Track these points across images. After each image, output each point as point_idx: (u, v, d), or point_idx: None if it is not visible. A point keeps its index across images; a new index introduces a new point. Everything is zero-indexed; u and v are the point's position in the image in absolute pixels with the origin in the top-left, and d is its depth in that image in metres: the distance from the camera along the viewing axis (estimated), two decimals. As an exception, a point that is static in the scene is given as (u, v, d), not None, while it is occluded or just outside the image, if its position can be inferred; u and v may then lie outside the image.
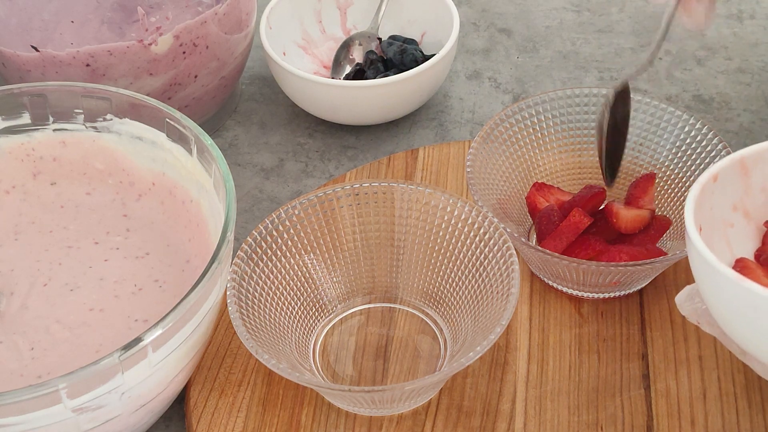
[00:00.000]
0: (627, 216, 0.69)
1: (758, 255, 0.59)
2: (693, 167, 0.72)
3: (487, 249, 0.66)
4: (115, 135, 0.72)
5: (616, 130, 0.70)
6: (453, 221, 0.68)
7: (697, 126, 0.72)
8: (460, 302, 0.67)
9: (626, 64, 0.92)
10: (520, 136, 0.74)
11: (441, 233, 0.68)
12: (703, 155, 0.71)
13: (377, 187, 0.69)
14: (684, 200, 0.71)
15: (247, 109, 0.89)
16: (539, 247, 0.65)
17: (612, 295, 0.69)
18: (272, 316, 0.65)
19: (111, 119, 0.71)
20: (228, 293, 0.62)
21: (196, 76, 0.79)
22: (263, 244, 0.66)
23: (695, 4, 0.62)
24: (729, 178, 0.59)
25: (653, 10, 0.97)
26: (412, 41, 0.88)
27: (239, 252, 0.65)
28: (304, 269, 0.68)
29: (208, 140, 0.66)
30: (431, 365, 0.66)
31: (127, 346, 0.54)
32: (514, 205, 0.73)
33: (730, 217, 0.60)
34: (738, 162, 0.59)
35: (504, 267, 0.64)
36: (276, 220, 0.67)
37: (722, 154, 0.70)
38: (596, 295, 0.69)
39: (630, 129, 0.74)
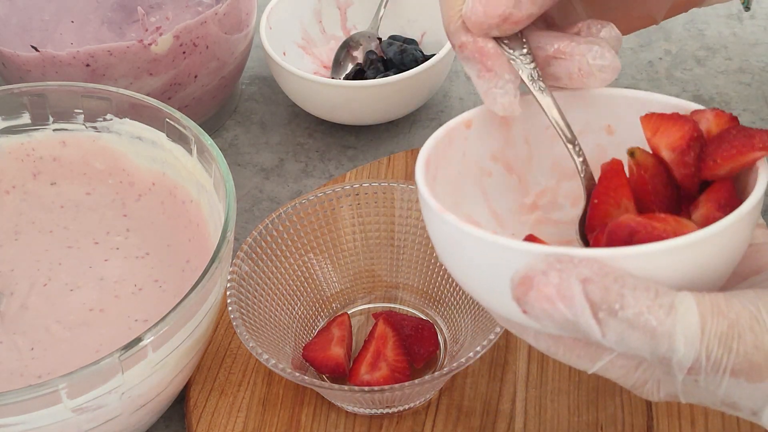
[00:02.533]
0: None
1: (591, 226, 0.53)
2: (693, 167, 0.72)
3: (487, 249, 0.65)
4: (115, 135, 0.72)
5: None
6: (453, 221, 0.67)
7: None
8: (460, 302, 0.67)
9: (626, 64, 0.92)
10: (519, 136, 0.74)
11: (441, 233, 0.68)
12: (703, 155, 0.71)
13: (377, 187, 0.69)
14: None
15: (247, 109, 0.89)
16: (539, 247, 0.65)
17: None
18: (272, 316, 0.65)
19: (111, 119, 0.71)
20: (228, 293, 0.62)
21: (196, 76, 0.79)
22: (263, 244, 0.66)
23: (581, 60, 0.52)
24: (486, 126, 0.54)
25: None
26: (412, 41, 0.88)
27: (239, 252, 0.65)
28: (304, 269, 0.68)
29: (208, 140, 0.66)
30: (431, 365, 0.66)
31: (127, 346, 0.54)
32: (514, 205, 0.73)
33: (488, 166, 0.55)
34: (491, 112, 0.53)
35: (504, 267, 0.63)
36: (276, 220, 0.67)
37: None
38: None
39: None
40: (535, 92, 0.52)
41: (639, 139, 0.54)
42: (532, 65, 0.52)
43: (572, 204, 0.56)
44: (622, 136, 0.56)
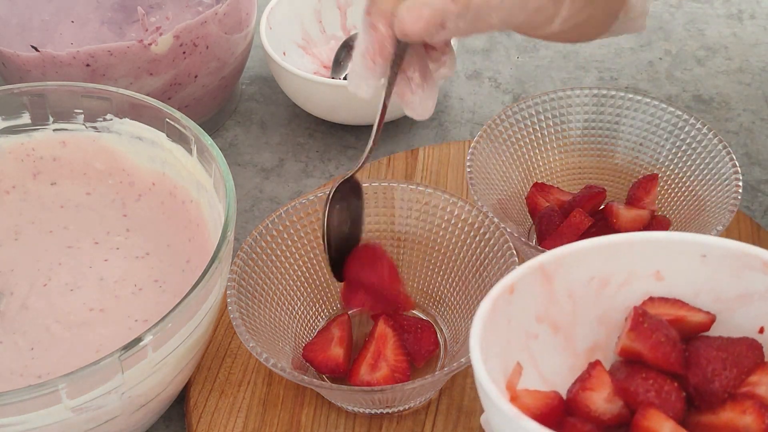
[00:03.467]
0: (626, 216, 0.69)
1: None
2: (693, 167, 0.72)
3: (487, 249, 0.65)
4: (115, 135, 0.72)
5: (346, 224, 0.65)
6: (453, 221, 0.67)
7: (697, 126, 0.72)
8: (460, 302, 0.67)
9: (626, 64, 0.92)
10: (520, 136, 0.74)
11: (441, 233, 0.68)
12: (703, 155, 0.71)
13: (377, 187, 0.69)
14: (684, 201, 0.72)
15: (247, 109, 0.89)
16: (539, 247, 0.65)
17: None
18: (272, 316, 0.65)
19: (111, 119, 0.71)
20: (228, 293, 0.62)
21: (196, 76, 0.79)
22: (263, 244, 0.66)
23: (409, 96, 0.59)
24: (528, 287, 0.53)
25: (653, 10, 0.97)
26: (412, 41, 0.88)
27: (239, 252, 0.65)
28: (304, 269, 0.68)
29: (208, 140, 0.66)
30: (431, 365, 0.66)
31: (127, 346, 0.54)
32: (514, 205, 0.73)
33: (533, 328, 0.54)
34: (537, 268, 0.53)
35: (504, 267, 0.64)
36: (276, 220, 0.67)
37: (722, 154, 0.70)
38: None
39: (630, 129, 0.75)
40: (383, 97, 0.59)
41: (691, 282, 0.52)
42: (392, 78, 0.59)
43: None
44: (672, 281, 0.54)
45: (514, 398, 0.51)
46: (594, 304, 0.55)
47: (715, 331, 0.54)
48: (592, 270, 0.54)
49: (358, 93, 0.60)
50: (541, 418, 0.50)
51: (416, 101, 0.60)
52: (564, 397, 0.53)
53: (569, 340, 0.55)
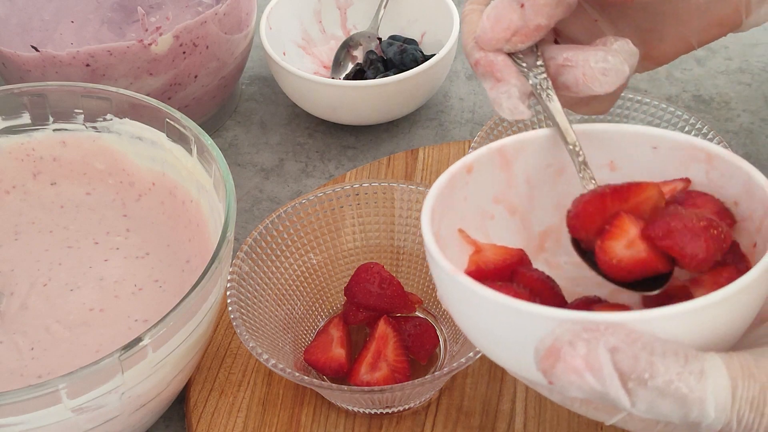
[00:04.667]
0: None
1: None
2: (693, 167, 0.72)
3: (487, 249, 0.66)
4: (115, 135, 0.72)
5: None
6: (453, 221, 0.68)
7: (697, 126, 0.72)
8: (460, 302, 0.67)
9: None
10: (520, 136, 0.74)
11: (441, 233, 0.68)
12: (703, 155, 0.71)
13: (377, 187, 0.69)
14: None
15: (247, 109, 0.89)
16: (539, 247, 0.65)
17: (612, 295, 0.69)
18: (272, 316, 0.65)
19: (111, 119, 0.71)
20: (228, 293, 0.63)
21: (196, 76, 0.79)
22: (263, 244, 0.66)
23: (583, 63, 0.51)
24: (487, 169, 0.54)
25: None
26: (412, 41, 0.88)
27: (239, 252, 0.65)
28: (304, 269, 0.68)
29: (208, 140, 0.66)
30: (431, 365, 0.66)
31: (127, 346, 0.54)
32: (514, 205, 0.73)
33: (490, 208, 0.55)
34: (496, 152, 0.53)
35: (504, 267, 0.64)
36: (276, 220, 0.67)
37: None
38: (596, 295, 0.69)
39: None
40: (543, 99, 0.53)
41: (643, 175, 0.53)
42: (543, 75, 0.53)
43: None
44: (624, 172, 0.55)
45: (478, 251, 0.52)
46: (550, 189, 0.55)
47: None
48: (550, 157, 0.54)
49: (505, 112, 0.53)
50: (501, 269, 0.51)
51: (588, 69, 0.52)
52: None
53: (525, 222, 0.55)
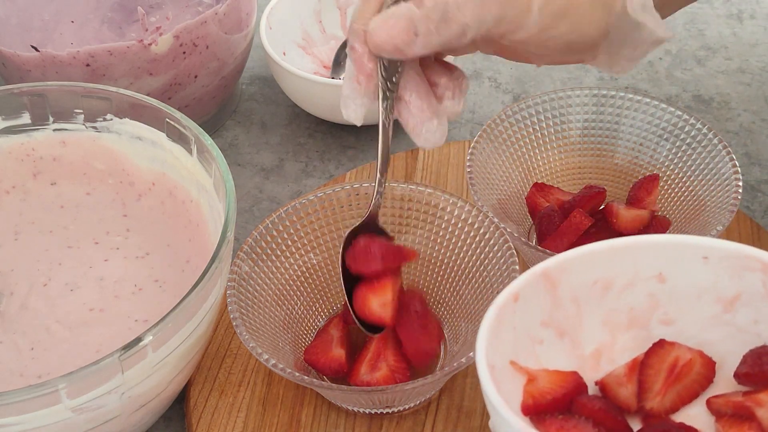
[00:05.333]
0: (626, 216, 0.69)
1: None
2: (693, 167, 0.72)
3: (487, 249, 0.65)
4: (115, 135, 0.72)
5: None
6: (453, 221, 0.67)
7: (697, 126, 0.72)
8: (460, 302, 0.67)
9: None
10: (520, 136, 0.74)
11: (441, 233, 0.68)
12: (703, 155, 0.71)
13: (377, 187, 0.69)
14: (684, 201, 0.72)
15: (247, 109, 0.89)
16: (539, 248, 0.65)
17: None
18: (272, 316, 0.65)
19: (111, 119, 0.71)
20: (228, 293, 0.62)
21: (196, 76, 0.79)
22: (263, 244, 0.66)
23: (411, 122, 0.58)
24: (533, 294, 0.54)
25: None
26: (412, 41, 0.88)
27: (239, 252, 0.65)
28: (304, 269, 0.68)
29: (208, 140, 0.66)
30: (431, 365, 0.66)
31: (127, 346, 0.54)
32: (514, 205, 0.73)
33: (538, 333, 0.54)
34: (541, 276, 0.54)
35: (504, 267, 0.63)
36: (276, 220, 0.67)
37: (722, 154, 0.70)
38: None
39: (630, 129, 0.75)
40: (381, 119, 0.58)
41: (695, 286, 0.53)
42: (390, 101, 0.58)
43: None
44: (675, 283, 0.55)
45: (531, 380, 0.52)
46: (598, 306, 0.55)
47: (716, 332, 0.55)
48: (596, 273, 0.54)
49: (348, 115, 0.59)
50: (558, 399, 0.52)
51: (419, 128, 0.58)
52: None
53: (575, 343, 0.55)
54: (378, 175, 0.61)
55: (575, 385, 0.53)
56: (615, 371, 0.55)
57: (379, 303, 0.61)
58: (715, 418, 0.52)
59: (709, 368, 0.54)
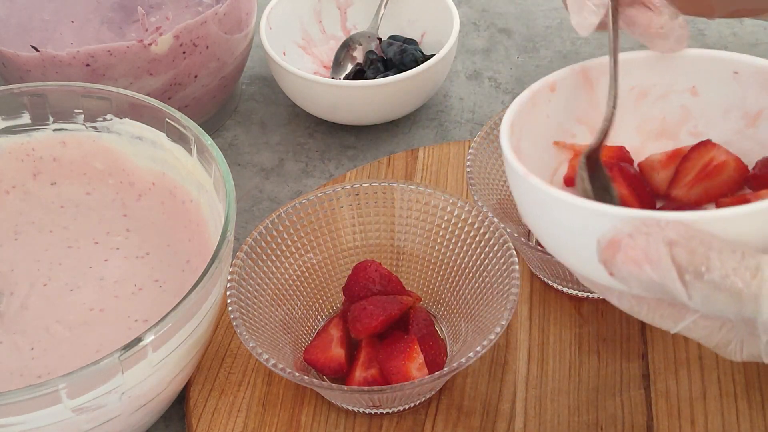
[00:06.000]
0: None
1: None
2: (693, 167, 0.72)
3: (487, 249, 0.66)
4: (115, 135, 0.72)
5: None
6: (453, 221, 0.68)
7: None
8: (460, 302, 0.67)
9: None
10: (520, 136, 0.74)
11: (441, 233, 0.68)
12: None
13: (377, 187, 0.69)
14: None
15: (247, 109, 0.89)
16: (539, 248, 0.65)
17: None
18: (272, 316, 0.65)
19: (111, 119, 0.71)
20: (228, 293, 0.62)
21: (196, 76, 0.79)
22: (263, 244, 0.66)
23: (647, 21, 0.53)
24: (570, 89, 0.56)
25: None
26: (412, 41, 0.88)
27: (239, 252, 0.65)
28: (304, 269, 0.68)
29: (208, 140, 0.66)
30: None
31: (127, 346, 0.54)
32: (514, 205, 0.73)
33: (572, 127, 0.57)
34: (580, 73, 0.56)
35: (504, 267, 0.64)
36: (276, 220, 0.67)
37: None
38: (596, 295, 0.69)
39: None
40: (611, 24, 0.55)
41: (724, 100, 0.55)
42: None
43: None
44: (707, 97, 0.56)
45: (576, 155, 0.55)
46: (632, 112, 0.57)
47: (739, 146, 0.56)
48: (633, 80, 0.56)
49: (578, 22, 0.54)
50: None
51: (657, 25, 0.54)
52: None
53: (606, 144, 0.57)
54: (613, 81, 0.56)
55: (621, 158, 0.56)
56: (653, 156, 0.57)
57: (416, 366, 0.61)
58: None
59: (740, 173, 0.55)
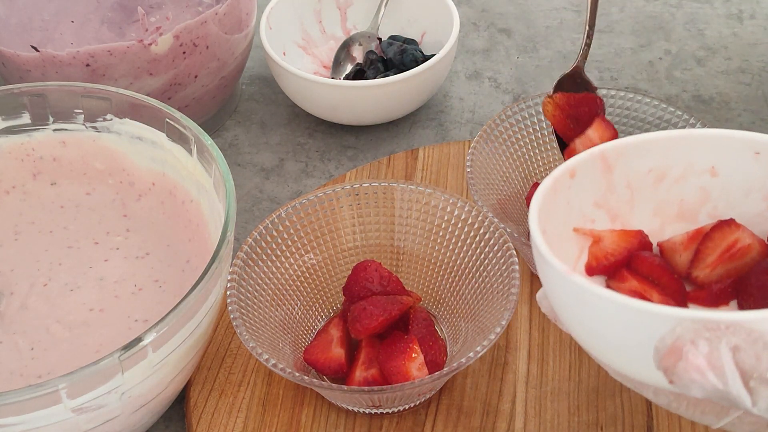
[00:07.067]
0: None
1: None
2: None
3: (487, 249, 0.66)
4: (115, 135, 0.72)
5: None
6: (453, 221, 0.68)
7: (697, 126, 0.72)
8: (460, 302, 0.67)
9: (626, 64, 0.92)
10: (520, 136, 0.74)
11: (441, 233, 0.68)
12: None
13: (377, 187, 0.69)
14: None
15: (247, 109, 0.89)
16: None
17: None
18: (272, 316, 0.65)
19: (111, 119, 0.71)
20: (228, 293, 0.62)
21: (196, 76, 0.79)
22: (263, 244, 0.66)
23: None
24: (589, 173, 0.55)
25: (653, 10, 0.97)
26: (412, 41, 0.88)
27: (239, 252, 0.65)
28: (304, 269, 0.68)
29: (208, 140, 0.66)
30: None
31: (127, 346, 0.54)
32: (514, 205, 0.73)
33: (591, 213, 0.57)
34: (599, 156, 0.56)
35: (504, 267, 0.64)
36: (276, 220, 0.67)
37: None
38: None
39: (630, 129, 0.75)
40: None
41: (745, 181, 0.54)
42: None
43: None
44: (727, 178, 0.56)
45: (597, 241, 0.54)
46: (651, 195, 0.57)
47: (759, 229, 0.56)
48: (651, 162, 0.56)
49: None
50: (620, 263, 0.54)
51: None
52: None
53: (625, 228, 0.57)
54: (587, 27, 0.60)
55: (640, 243, 0.55)
56: (675, 238, 0.56)
57: (416, 366, 0.61)
58: None
59: (764, 256, 0.55)
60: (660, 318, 0.43)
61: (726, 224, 0.55)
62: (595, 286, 0.46)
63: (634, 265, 0.55)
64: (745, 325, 0.42)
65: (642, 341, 0.44)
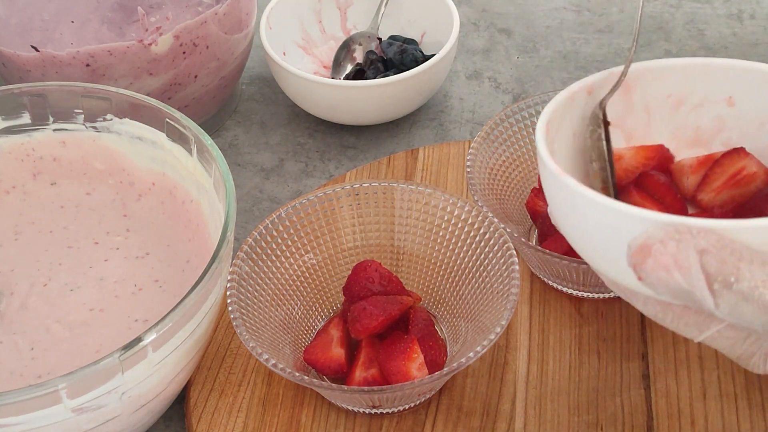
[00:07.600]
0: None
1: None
2: (693, 167, 0.72)
3: (487, 249, 0.66)
4: (115, 135, 0.72)
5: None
6: (453, 221, 0.68)
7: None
8: (460, 302, 0.67)
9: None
10: (520, 136, 0.74)
11: (441, 233, 0.68)
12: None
13: (377, 187, 0.69)
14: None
15: (247, 109, 0.89)
16: (540, 248, 0.65)
17: (612, 295, 0.69)
18: (272, 316, 0.65)
19: (111, 119, 0.71)
20: (228, 293, 0.62)
21: (196, 76, 0.79)
22: (263, 244, 0.66)
23: None
24: (607, 92, 0.56)
25: (653, 10, 0.97)
26: (412, 41, 0.88)
27: (239, 252, 0.65)
28: (304, 269, 0.68)
29: (208, 140, 0.66)
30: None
31: (127, 346, 0.54)
32: (514, 205, 0.73)
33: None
34: (617, 76, 0.56)
35: (504, 267, 0.64)
36: (276, 220, 0.67)
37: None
38: (596, 295, 0.69)
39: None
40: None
41: (761, 112, 0.55)
42: None
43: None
44: (743, 108, 0.57)
45: (618, 158, 0.55)
46: (668, 120, 0.58)
47: None
48: (670, 87, 0.56)
49: None
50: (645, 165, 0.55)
51: None
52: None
53: (638, 147, 0.58)
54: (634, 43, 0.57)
55: (662, 157, 0.56)
56: (684, 161, 0.57)
57: (416, 366, 0.61)
58: None
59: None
60: (635, 219, 0.45)
61: (736, 152, 0.56)
62: (581, 186, 0.47)
63: (641, 182, 0.56)
64: (717, 231, 0.43)
65: (619, 240, 0.45)
